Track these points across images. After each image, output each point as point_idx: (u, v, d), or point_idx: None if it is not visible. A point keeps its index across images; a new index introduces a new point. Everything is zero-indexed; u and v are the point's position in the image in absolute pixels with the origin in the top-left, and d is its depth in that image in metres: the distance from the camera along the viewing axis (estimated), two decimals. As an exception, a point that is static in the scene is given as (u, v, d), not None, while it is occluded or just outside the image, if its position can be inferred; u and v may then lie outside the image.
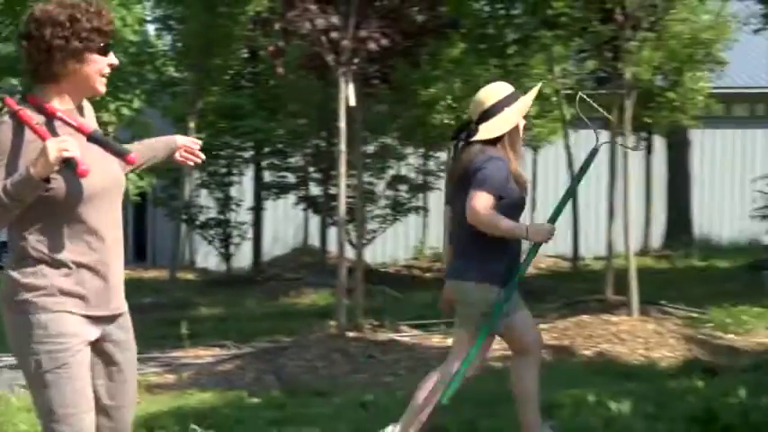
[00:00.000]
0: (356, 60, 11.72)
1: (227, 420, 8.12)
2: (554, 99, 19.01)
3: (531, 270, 19.17)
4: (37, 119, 4.31)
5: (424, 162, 22.84)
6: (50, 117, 4.36)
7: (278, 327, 13.79)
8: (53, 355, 4.30)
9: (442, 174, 22.69)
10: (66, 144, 4.16)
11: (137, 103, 19.82)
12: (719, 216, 25.67)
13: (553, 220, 6.53)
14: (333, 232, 13.71)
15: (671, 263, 20.61)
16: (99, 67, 4.42)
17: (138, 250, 26.81)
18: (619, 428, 7.64)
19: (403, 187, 21.38)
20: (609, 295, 13.24)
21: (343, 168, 12.28)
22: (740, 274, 17.32)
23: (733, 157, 25.83)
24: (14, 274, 4.33)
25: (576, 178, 7.05)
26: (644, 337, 11.57)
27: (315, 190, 21.79)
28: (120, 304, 4.52)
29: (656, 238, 23.69)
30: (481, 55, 16.50)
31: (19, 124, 4.29)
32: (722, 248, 23.33)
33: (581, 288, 15.17)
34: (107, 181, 4.43)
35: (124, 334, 4.57)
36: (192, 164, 4.99)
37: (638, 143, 21.30)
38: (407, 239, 24.40)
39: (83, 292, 4.37)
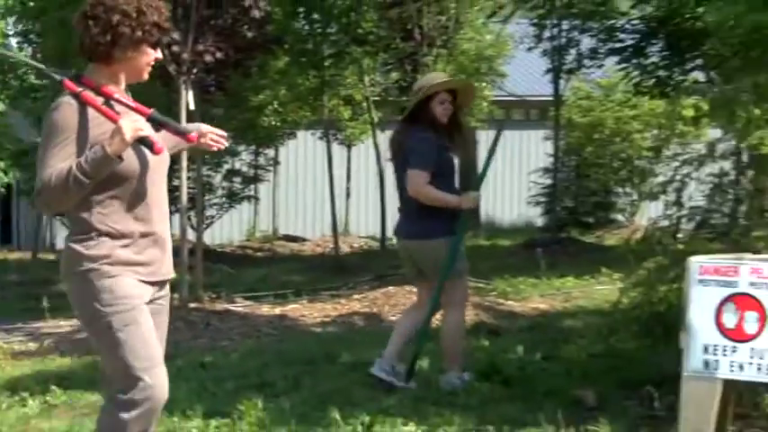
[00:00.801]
0: (195, 71, 11.70)
1: (83, 382, 7.95)
2: (364, 104, 19.08)
3: (346, 249, 19.32)
4: (99, 100, 4.08)
5: (255, 158, 22.78)
6: (107, 98, 4.13)
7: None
8: (122, 315, 4.11)
9: (270, 168, 22.78)
10: (140, 123, 3.99)
11: (1, 106, 19.31)
12: (502, 203, 26.18)
13: (476, 188, 7.23)
14: (176, 218, 13.50)
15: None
16: (149, 58, 4.23)
17: (4, 235, 25.97)
18: (419, 381, 7.72)
19: (237, 179, 21.29)
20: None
21: (184, 163, 12.25)
22: (518, 251, 17.67)
23: (512, 153, 26.33)
24: (77, 246, 4.12)
25: (488, 156, 7.36)
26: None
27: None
28: (170, 269, 4.39)
29: (450, 221, 24.02)
30: (302, 67, 16.54)
31: (81, 105, 4.05)
32: (504, 230, 23.80)
33: (389, 264, 15.26)
34: (160, 157, 4.22)
35: (165, 300, 4.44)
36: (216, 148, 4.72)
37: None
38: (241, 224, 24.21)
39: (142, 260, 4.19)
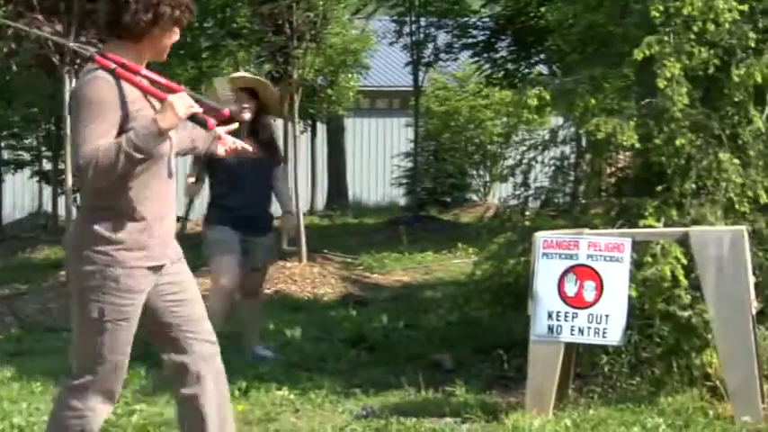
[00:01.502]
0: (78, 61, 11.41)
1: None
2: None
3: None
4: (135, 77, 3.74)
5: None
6: (135, 74, 3.76)
7: (17, 276, 13.12)
8: (118, 308, 3.75)
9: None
10: (190, 101, 3.70)
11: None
12: (368, 184, 26.22)
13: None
14: (62, 200, 13.21)
15: (331, 221, 20.90)
16: (172, 40, 3.88)
17: None
18: (292, 350, 7.71)
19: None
20: (284, 246, 13.33)
21: (68, 147, 11.90)
22: (383, 228, 17.70)
23: (377, 139, 26.41)
24: (97, 226, 3.73)
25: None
26: (311, 278, 11.68)
27: (47, 166, 20.98)
28: (178, 251, 3.98)
29: (320, 202, 23.98)
30: (181, 58, 16.27)
31: (116, 80, 3.69)
32: (370, 209, 23.83)
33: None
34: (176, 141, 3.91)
35: (181, 265, 3.98)
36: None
37: (304, 128, 21.45)
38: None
39: (153, 243, 3.79)
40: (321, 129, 23.76)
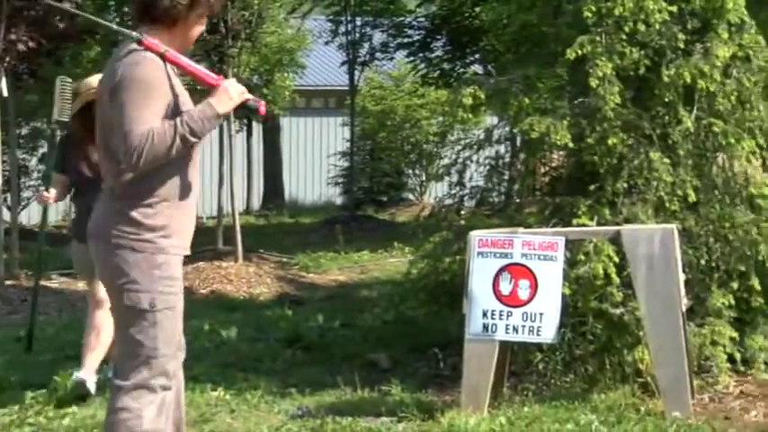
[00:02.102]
0: (8, 59, 11.23)
1: None
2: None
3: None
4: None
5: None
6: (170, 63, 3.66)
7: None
8: (165, 297, 3.63)
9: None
10: (243, 88, 3.65)
11: None
12: (304, 183, 26.14)
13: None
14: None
15: (267, 220, 20.82)
16: (199, 31, 3.82)
17: None
18: (228, 350, 7.65)
19: (51, 162, 20.54)
20: (220, 246, 13.27)
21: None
22: (319, 227, 17.69)
23: (313, 138, 26.34)
24: (134, 213, 3.60)
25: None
26: (247, 278, 11.64)
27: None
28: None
29: (256, 202, 23.88)
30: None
31: (165, 64, 3.61)
32: (306, 208, 23.78)
33: (198, 241, 14.98)
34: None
35: None
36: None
37: (240, 127, 21.33)
38: (57, 205, 23.40)
39: (184, 230, 3.72)
40: (257, 128, 23.66)
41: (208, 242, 14.04)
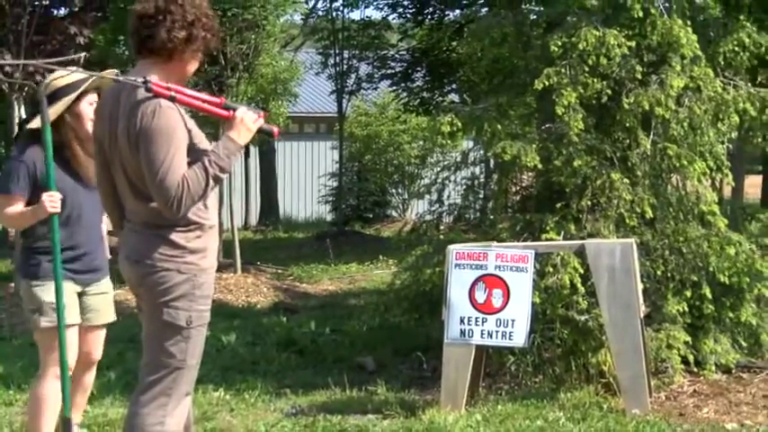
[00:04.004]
0: (26, 88, 11.25)
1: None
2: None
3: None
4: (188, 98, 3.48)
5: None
6: (180, 95, 3.49)
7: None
8: (201, 314, 3.56)
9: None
10: (254, 115, 3.49)
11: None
12: (297, 201, 26.07)
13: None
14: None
15: (264, 235, 20.76)
16: (195, 66, 3.64)
17: None
18: (228, 354, 7.64)
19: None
20: (220, 259, 13.21)
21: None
22: (311, 242, 17.66)
23: (305, 161, 26.30)
24: (177, 237, 3.49)
25: None
26: (245, 288, 11.61)
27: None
28: None
29: (254, 218, 23.83)
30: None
31: (176, 107, 3.46)
32: (300, 224, 23.71)
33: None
34: None
35: None
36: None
37: (239, 151, 21.25)
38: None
39: (215, 252, 3.63)
40: (254, 151, 23.64)
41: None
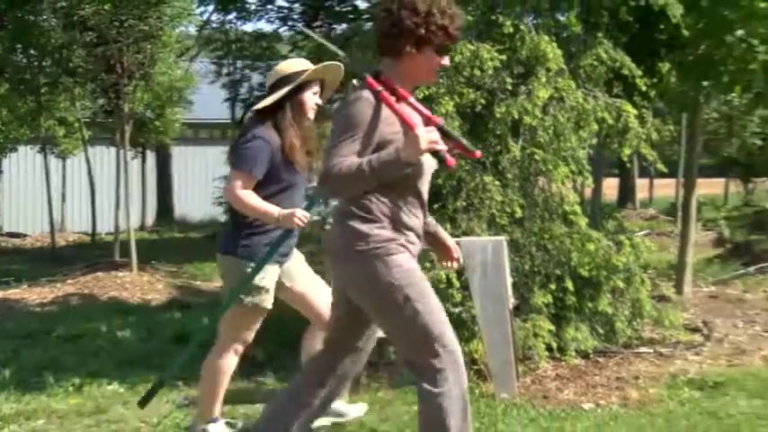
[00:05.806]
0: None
1: None
2: (76, 125, 18.09)
3: (62, 242, 18.23)
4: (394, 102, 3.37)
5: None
6: (401, 100, 3.42)
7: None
8: (416, 287, 3.39)
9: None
10: (435, 136, 3.29)
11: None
12: (192, 203, 25.63)
13: (307, 208, 4.45)
14: None
15: (160, 235, 20.38)
16: (432, 62, 3.47)
17: None
18: (122, 349, 7.43)
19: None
20: (117, 258, 12.94)
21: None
22: (205, 242, 17.41)
23: (200, 165, 25.89)
24: (362, 226, 3.40)
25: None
26: (141, 286, 11.36)
27: None
28: None
29: (150, 219, 23.36)
30: (21, 93, 15.54)
31: (378, 102, 3.36)
32: (194, 225, 23.34)
33: (98, 254, 14.58)
34: (433, 163, 3.49)
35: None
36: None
37: (135, 154, 20.83)
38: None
39: (411, 249, 3.48)
40: (150, 155, 23.20)
41: (106, 255, 13.69)
